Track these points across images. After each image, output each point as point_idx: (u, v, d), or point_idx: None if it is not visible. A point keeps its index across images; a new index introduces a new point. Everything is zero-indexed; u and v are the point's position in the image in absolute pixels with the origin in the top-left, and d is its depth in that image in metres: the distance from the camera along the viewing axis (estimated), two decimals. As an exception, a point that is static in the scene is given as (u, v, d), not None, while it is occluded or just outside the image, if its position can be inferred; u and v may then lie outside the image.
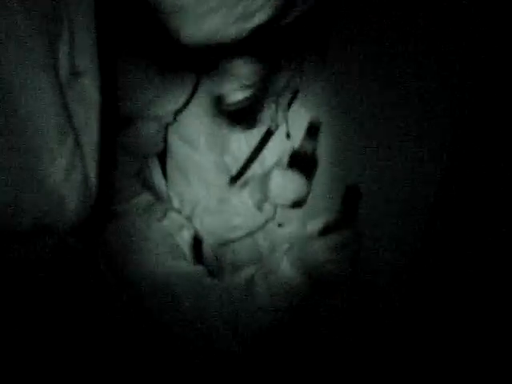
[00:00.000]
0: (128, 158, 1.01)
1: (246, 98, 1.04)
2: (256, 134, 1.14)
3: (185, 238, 1.03)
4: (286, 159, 1.11)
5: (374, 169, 0.92)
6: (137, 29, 0.80)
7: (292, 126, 1.15)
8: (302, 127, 1.16)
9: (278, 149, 1.14)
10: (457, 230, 0.82)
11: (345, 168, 0.98)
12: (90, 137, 0.65)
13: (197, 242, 1.09)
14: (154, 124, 1.00)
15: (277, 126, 1.14)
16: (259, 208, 1.11)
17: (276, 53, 1.03)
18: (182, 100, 0.98)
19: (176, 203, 1.11)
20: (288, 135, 1.15)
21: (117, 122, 0.91)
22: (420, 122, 0.85)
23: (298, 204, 1.09)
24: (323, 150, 1.08)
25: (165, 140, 1.07)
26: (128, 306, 0.87)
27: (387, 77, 0.80)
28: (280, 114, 1.13)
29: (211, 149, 1.09)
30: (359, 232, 0.87)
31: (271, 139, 1.14)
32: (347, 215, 0.90)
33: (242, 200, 1.10)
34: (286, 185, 1.07)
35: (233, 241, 1.13)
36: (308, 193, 1.10)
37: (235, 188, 1.11)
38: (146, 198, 1.05)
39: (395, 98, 0.84)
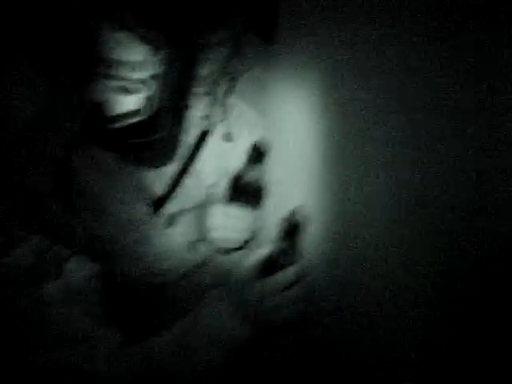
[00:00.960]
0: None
1: (136, 111, 0.72)
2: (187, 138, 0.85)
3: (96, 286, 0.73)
4: (228, 180, 0.86)
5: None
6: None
7: (232, 124, 0.89)
8: (243, 126, 0.91)
9: (217, 157, 0.88)
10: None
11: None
12: None
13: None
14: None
15: (213, 126, 0.87)
16: (193, 249, 0.86)
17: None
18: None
19: (84, 242, 0.79)
20: (228, 137, 0.89)
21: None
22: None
23: (241, 246, 0.88)
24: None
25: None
26: None
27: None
28: (216, 109, 0.86)
29: (125, 166, 0.78)
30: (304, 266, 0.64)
31: (207, 143, 0.86)
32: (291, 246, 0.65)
33: (170, 240, 0.82)
34: (227, 223, 0.85)
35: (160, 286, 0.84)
36: (255, 232, 0.89)
37: (160, 225, 0.82)
38: (34, 244, 0.71)
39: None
